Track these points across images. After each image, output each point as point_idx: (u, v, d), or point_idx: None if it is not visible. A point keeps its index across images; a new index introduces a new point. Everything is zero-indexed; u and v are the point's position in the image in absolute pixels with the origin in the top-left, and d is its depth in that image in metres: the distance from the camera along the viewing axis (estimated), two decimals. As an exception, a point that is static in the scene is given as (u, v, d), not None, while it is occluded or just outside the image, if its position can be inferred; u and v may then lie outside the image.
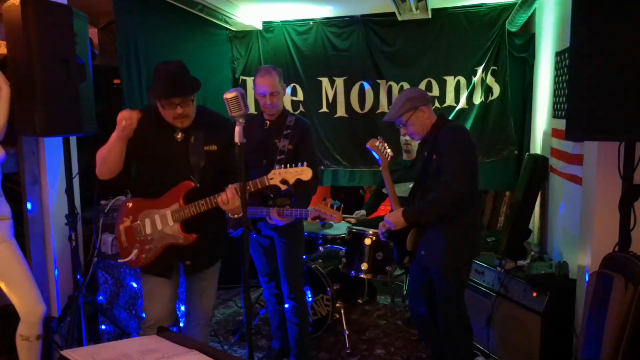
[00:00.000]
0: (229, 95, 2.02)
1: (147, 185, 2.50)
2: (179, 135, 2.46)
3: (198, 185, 2.41)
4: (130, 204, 2.51)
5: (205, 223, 2.45)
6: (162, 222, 2.44)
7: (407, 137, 3.96)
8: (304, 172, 2.33)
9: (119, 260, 2.51)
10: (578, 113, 2.20)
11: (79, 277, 3.00)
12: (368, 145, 2.86)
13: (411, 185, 3.00)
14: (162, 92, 2.34)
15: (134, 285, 3.43)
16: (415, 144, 3.84)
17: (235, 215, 2.41)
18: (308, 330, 3.31)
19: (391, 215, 2.74)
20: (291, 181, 2.33)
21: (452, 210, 2.64)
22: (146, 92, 3.91)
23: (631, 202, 2.33)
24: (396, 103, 2.77)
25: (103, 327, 3.35)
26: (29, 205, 3.22)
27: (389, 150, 2.88)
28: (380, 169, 2.88)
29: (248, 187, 2.34)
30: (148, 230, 2.46)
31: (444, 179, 2.59)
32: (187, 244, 2.44)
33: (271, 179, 2.35)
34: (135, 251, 2.45)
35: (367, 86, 5.02)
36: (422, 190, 2.81)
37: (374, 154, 2.87)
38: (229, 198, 2.32)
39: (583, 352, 2.32)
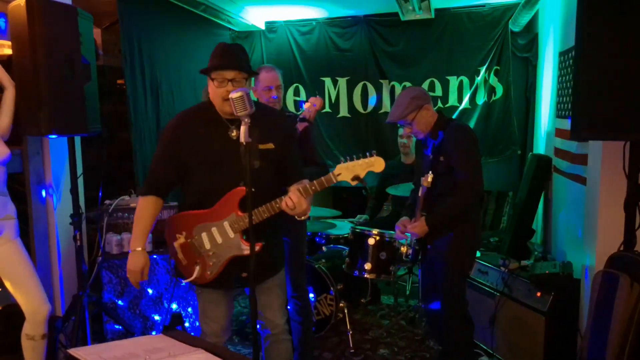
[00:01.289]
0: (235, 95, 2.01)
1: (199, 193, 2.27)
2: (234, 133, 2.20)
3: (253, 190, 2.06)
4: (180, 219, 2.32)
5: (264, 229, 2.21)
6: (222, 235, 2.23)
7: (405, 140, 3.99)
8: (376, 163, 2.05)
9: (184, 282, 2.29)
10: (583, 112, 2.20)
11: (85, 271, 3.00)
12: (423, 183, 2.74)
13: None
14: (215, 63, 2.19)
15: (148, 290, 3.43)
16: (412, 147, 3.86)
17: (302, 217, 2.19)
18: (311, 330, 3.30)
19: (416, 227, 2.76)
20: (362, 175, 2.07)
21: None
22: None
23: (636, 202, 2.33)
24: (400, 103, 2.77)
25: (118, 326, 3.34)
26: (43, 193, 3.21)
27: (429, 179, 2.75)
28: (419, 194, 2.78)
29: (313, 187, 2.13)
30: (207, 246, 2.26)
31: (462, 179, 2.65)
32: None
33: (338, 174, 2.09)
34: (197, 268, 2.26)
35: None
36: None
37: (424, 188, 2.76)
38: (295, 202, 2.09)
39: (588, 352, 2.32)
